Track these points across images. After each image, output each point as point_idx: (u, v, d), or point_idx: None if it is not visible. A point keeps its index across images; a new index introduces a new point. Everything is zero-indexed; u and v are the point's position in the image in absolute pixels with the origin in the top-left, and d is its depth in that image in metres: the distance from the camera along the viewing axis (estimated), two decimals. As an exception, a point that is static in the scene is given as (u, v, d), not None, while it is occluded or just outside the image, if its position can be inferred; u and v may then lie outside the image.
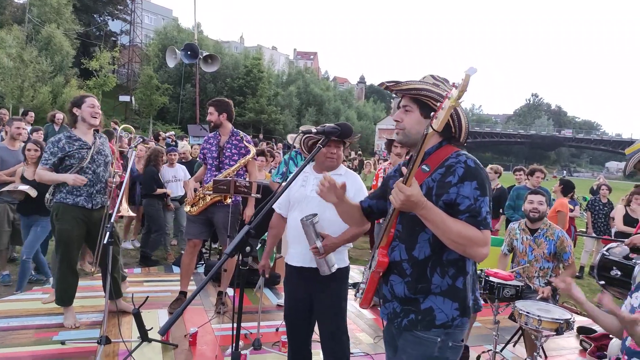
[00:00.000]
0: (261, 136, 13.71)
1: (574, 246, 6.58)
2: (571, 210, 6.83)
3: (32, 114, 9.06)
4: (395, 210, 1.70)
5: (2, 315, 4.00)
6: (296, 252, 2.90)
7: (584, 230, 8.84)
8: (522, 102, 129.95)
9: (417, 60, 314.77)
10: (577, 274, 7.36)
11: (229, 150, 4.35)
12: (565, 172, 59.37)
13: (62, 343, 3.56)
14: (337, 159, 2.85)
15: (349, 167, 9.66)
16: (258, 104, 42.89)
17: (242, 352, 3.46)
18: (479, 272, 3.64)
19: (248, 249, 1.53)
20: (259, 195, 4.01)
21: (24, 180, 4.60)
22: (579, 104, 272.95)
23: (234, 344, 1.61)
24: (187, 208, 4.40)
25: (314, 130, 1.63)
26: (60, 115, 8.90)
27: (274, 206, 3.02)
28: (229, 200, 4.21)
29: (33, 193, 4.47)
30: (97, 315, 4.11)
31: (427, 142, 1.55)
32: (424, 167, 1.71)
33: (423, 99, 1.70)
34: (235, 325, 1.60)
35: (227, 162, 4.32)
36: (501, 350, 3.90)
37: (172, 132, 18.27)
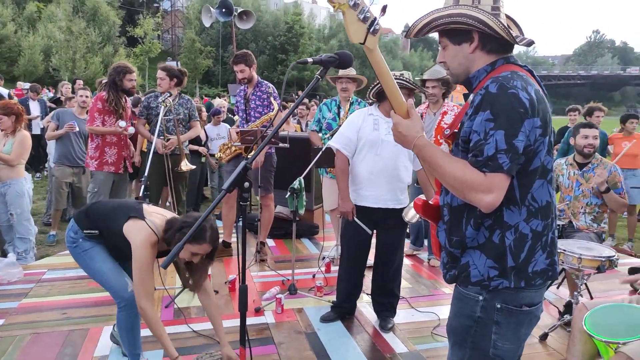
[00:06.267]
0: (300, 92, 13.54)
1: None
2: None
3: (79, 81, 9.40)
4: None
5: (60, 267, 4.33)
6: (370, 194, 3.15)
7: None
8: (582, 41, 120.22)
9: None
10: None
11: (253, 102, 4.36)
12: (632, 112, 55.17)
13: (112, 290, 3.81)
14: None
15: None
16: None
17: (278, 296, 3.56)
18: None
19: (247, 184, 1.52)
20: (287, 145, 3.99)
21: None
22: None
23: (240, 278, 1.63)
24: (217, 154, 4.57)
25: (310, 60, 1.54)
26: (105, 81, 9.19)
27: (340, 148, 3.19)
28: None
29: None
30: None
31: (374, 60, 1.44)
32: (471, 98, 1.47)
33: (444, 28, 1.48)
34: (240, 261, 1.61)
35: (252, 113, 4.35)
36: (543, 292, 3.79)
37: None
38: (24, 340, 3.04)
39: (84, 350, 2.93)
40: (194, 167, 4.74)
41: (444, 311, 3.54)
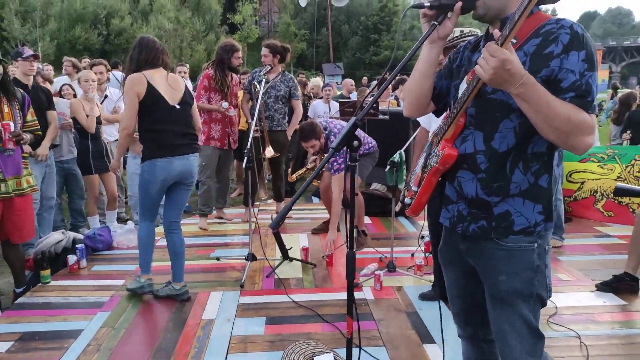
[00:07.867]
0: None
1: None
2: None
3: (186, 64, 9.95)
4: (472, 91, 1.35)
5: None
6: None
7: None
8: None
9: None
10: None
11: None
12: None
13: (218, 259, 4.00)
14: None
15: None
16: (393, 40, 41.38)
17: (377, 272, 3.47)
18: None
19: (356, 143, 1.41)
20: (387, 117, 3.85)
21: None
22: None
23: (348, 243, 1.54)
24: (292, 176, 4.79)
25: (427, 3, 1.38)
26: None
27: (420, 120, 3.27)
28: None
29: None
30: (245, 237, 4.51)
31: None
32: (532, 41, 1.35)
33: None
34: (348, 225, 1.52)
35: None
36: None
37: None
38: (141, 299, 3.28)
39: (193, 313, 3.09)
40: (277, 154, 4.72)
41: (561, 299, 3.22)
